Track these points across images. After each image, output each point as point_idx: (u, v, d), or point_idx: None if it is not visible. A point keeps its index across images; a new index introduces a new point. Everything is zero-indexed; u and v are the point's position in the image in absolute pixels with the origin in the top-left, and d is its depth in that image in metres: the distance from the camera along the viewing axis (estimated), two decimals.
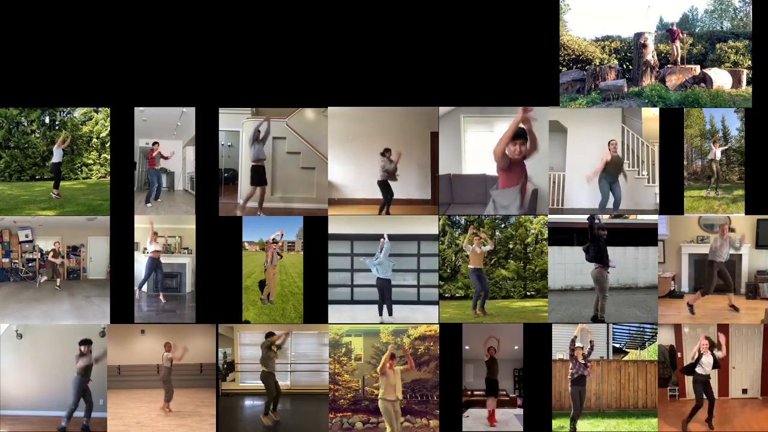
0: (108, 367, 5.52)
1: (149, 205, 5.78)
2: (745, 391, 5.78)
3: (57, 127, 6.10)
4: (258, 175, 6.03)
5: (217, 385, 5.55)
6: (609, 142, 5.87)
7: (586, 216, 5.53)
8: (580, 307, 5.60)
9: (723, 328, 5.53)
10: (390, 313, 5.75)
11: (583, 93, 5.94)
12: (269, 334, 5.60)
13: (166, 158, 6.09)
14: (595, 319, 5.48)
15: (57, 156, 6.01)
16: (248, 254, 5.50)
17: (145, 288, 5.82)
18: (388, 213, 5.99)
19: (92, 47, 5.38)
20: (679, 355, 5.71)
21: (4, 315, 5.56)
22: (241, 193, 6.16)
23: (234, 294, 5.43)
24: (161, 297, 5.86)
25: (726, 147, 5.69)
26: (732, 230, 5.73)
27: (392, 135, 6.03)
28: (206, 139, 5.45)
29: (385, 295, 5.81)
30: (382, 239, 5.75)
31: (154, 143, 5.93)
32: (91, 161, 6.13)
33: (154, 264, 5.79)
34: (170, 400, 5.73)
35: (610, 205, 5.74)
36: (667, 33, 6.15)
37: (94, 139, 6.06)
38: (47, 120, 6.08)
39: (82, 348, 5.46)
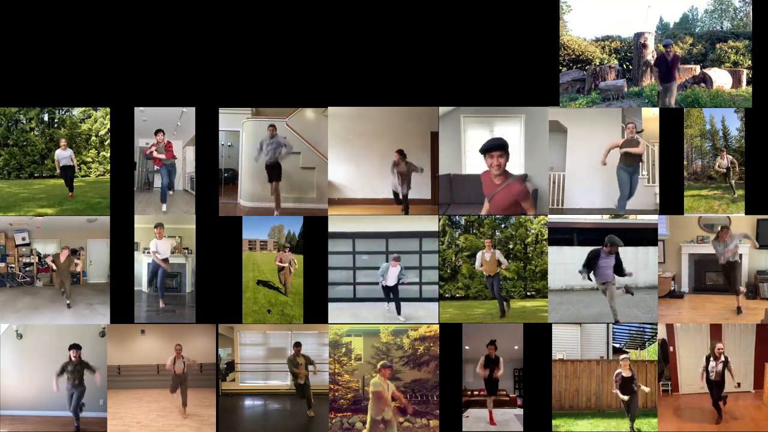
0: (108, 367, 5.52)
1: (164, 208, 5.74)
2: (738, 385, 5.81)
3: (56, 125, 6.09)
4: (273, 172, 6.06)
5: (217, 385, 5.55)
6: (627, 124, 5.75)
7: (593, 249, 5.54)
8: (580, 307, 5.61)
9: (716, 328, 5.56)
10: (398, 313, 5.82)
11: (583, 93, 5.94)
12: (296, 344, 5.65)
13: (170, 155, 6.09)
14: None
15: (64, 160, 6.02)
16: (248, 254, 5.51)
17: (145, 288, 5.80)
18: (406, 212, 6.04)
19: (92, 47, 5.37)
20: (671, 349, 5.72)
21: (2, 321, 5.58)
22: (242, 193, 6.18)
23: (234, 294, 5.43)
24: (161, 302, 5.80)
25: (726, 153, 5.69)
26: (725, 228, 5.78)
27: (392, 135, 6.01)
28: (206, 139, 5.45)
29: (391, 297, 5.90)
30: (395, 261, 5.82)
31: (158, 131, 5.83)
32: (89, 159, 6.12)
33: (157, 265, 5.77)
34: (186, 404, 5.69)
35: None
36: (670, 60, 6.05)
37: (93, 137, 6.05)
38: (46, 118, 6.07)
39: (72, 354, 5.49)
